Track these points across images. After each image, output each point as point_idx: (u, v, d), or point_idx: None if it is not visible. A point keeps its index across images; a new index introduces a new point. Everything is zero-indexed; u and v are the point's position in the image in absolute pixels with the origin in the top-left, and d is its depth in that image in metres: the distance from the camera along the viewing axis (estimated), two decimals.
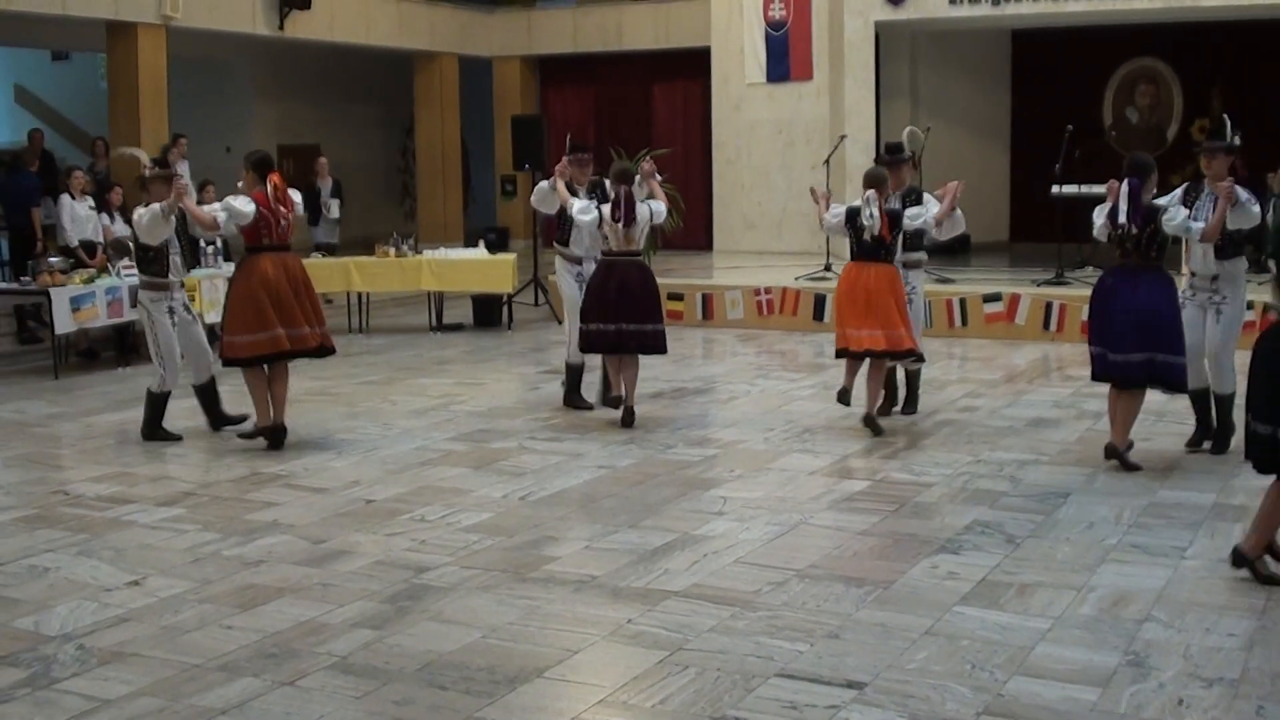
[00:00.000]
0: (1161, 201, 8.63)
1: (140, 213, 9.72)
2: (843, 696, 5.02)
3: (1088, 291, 14.71)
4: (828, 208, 9.98)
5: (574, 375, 10.91)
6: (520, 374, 12.84)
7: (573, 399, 10.90)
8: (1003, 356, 13.57)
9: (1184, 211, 8.56)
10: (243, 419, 10.05)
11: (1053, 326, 14.59)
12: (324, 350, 9.74)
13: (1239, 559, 6.38)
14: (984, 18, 19.25)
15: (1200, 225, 8.46)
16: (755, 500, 7.91)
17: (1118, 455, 8.59)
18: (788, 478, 8.48)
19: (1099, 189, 17.59)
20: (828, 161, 17.55)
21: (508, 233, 18.78)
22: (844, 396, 9.76)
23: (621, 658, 5.48)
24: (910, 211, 9.84)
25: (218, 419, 10.18)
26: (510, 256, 16.31)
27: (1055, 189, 16.99)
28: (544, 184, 10.71)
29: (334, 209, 17.49)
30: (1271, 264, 6.31)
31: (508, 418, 10.53)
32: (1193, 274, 8.97)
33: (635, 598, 6.18)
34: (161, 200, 9.56)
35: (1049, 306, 14.67)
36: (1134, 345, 8.42)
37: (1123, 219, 8.49)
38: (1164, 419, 10.11)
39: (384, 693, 5.13)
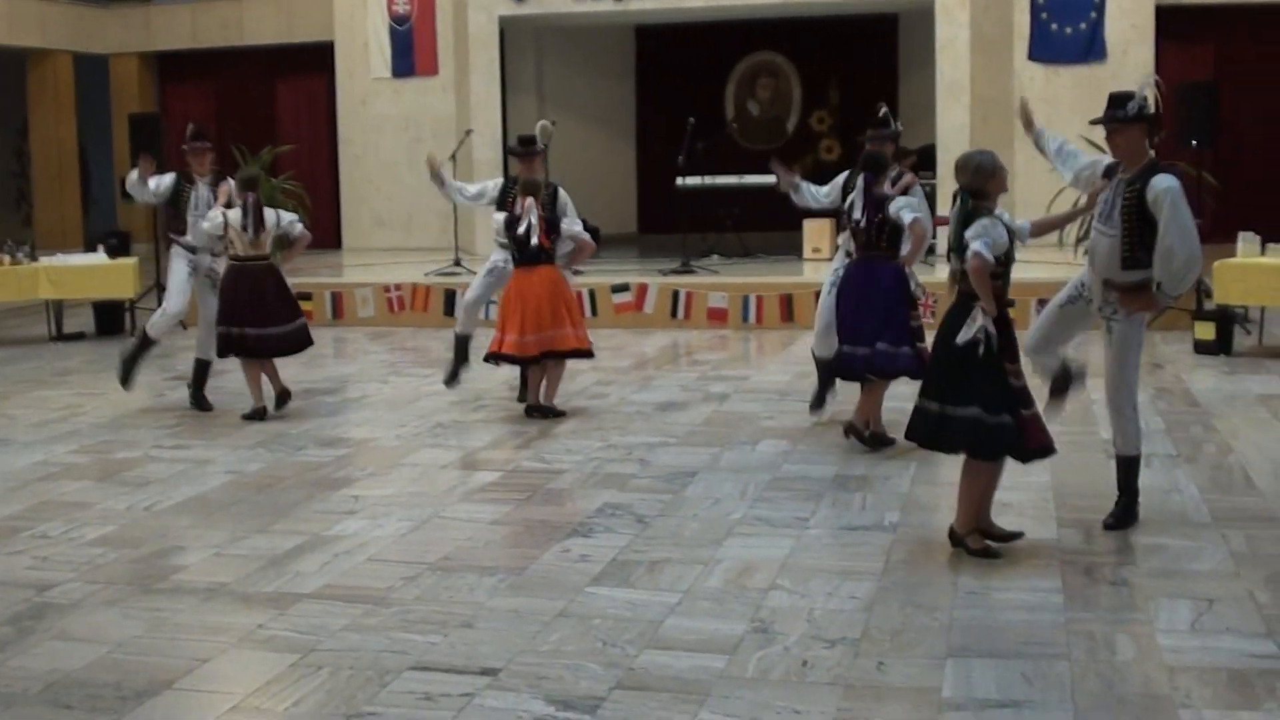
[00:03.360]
0: (904, 200, 8.59)
1: None
2: (476, 684, 5.06)
3: (713, 279, 15.32)
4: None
5: (200, 371, 10.81)
6: (145, 381, 12.38)
7: (199, 398, 10.78)
8: (632, 345, 13.85)
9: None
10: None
11: (680, 314, 14.97)
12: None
13: (954, 538, 6.61)
14: (607, 13, 19.59)
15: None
16: (387, 497, 7.88)
17: (858, 435, 8.80)
18: (420, 473, 8.47)
19: (722, 180, 18.39)
20: (454, 156, 17.56)
21: (129, 236, 18.12)
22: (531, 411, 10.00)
23: (253, 663, 5.39)
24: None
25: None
26: (132, 261, 15.77)
27: (679, 181, 17.46)
28: (134, 176, 10.80)
29: None
30: (952, 258, 6.54)
31: (133, 427, 10.20)
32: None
33: (266, 602, 6.08)
34: None
35: (676, 295, 15.05)
36: (865, 337, 8.65)
37: (858, 214, 8.68)
38: (787, 398, 10.54)
39: (5, 717, 4.90)
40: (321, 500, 7.87)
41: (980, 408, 6.37)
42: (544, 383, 10.09)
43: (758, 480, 8.04)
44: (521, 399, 10.43)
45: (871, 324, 8.63)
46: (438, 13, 20.82)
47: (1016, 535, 6.68)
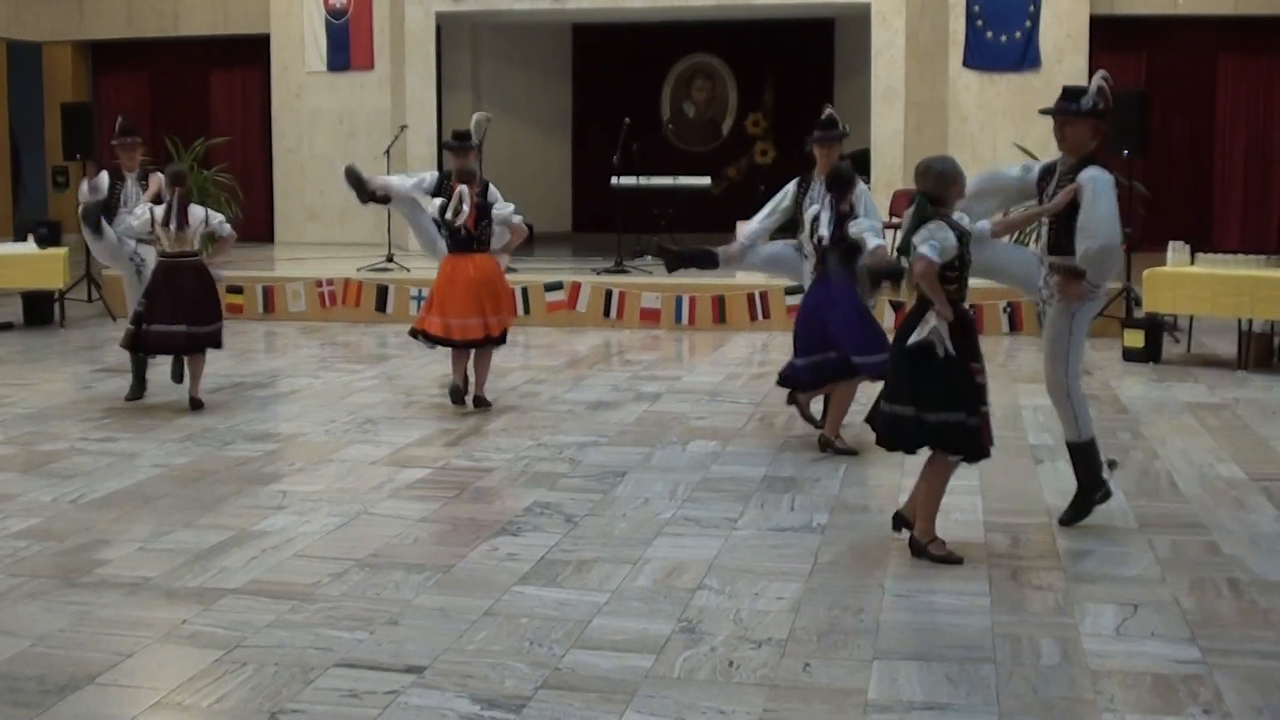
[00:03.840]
0: (867, 223, 8.58)
1: None
2: (402, 681, 5.03)
3: (647, 279, 15.31)
4: None
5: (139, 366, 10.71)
6: (73, 373, 12.30)
7: (137, 390, 10.68)
8: (565, 343, 13.84)
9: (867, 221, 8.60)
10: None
11: (613, 314, 14.96)
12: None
13: (915, 547, 6.57)
14: (544, 11, 19.60)
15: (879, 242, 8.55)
16: (316, 493, 7.82)
17: (830, 446, 8.77)
18: (349, 469, 8.42)
19: (657, 180, 18.39)
20: (388, 152, 17.50)
21: (60, 226, 17.89)
22: (456, 395, 10.04)
23: (177, 659, 5.34)
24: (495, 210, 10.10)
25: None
26: (62, 251, 15.57)
27: (615, 180, 17.46)
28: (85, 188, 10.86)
29: None
30: (901, 258, 6.56)
31: (59, 418, 10.08)
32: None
33: (191, 597, 6.02)
34: None
35: (609, 294, 15.04)
36: (825, 346, 8.68)
37: (824, 231, 8.63)
38: (718, 399, 10.55)
39: None
40: (249, 495, 7.80)
41: (965, 412, 6.42)
42: (472, 374, 10.13)
43: (687, 481, 8.05)
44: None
45: (833, 332, 8.64)
46: (374, 7, 20.72)
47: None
